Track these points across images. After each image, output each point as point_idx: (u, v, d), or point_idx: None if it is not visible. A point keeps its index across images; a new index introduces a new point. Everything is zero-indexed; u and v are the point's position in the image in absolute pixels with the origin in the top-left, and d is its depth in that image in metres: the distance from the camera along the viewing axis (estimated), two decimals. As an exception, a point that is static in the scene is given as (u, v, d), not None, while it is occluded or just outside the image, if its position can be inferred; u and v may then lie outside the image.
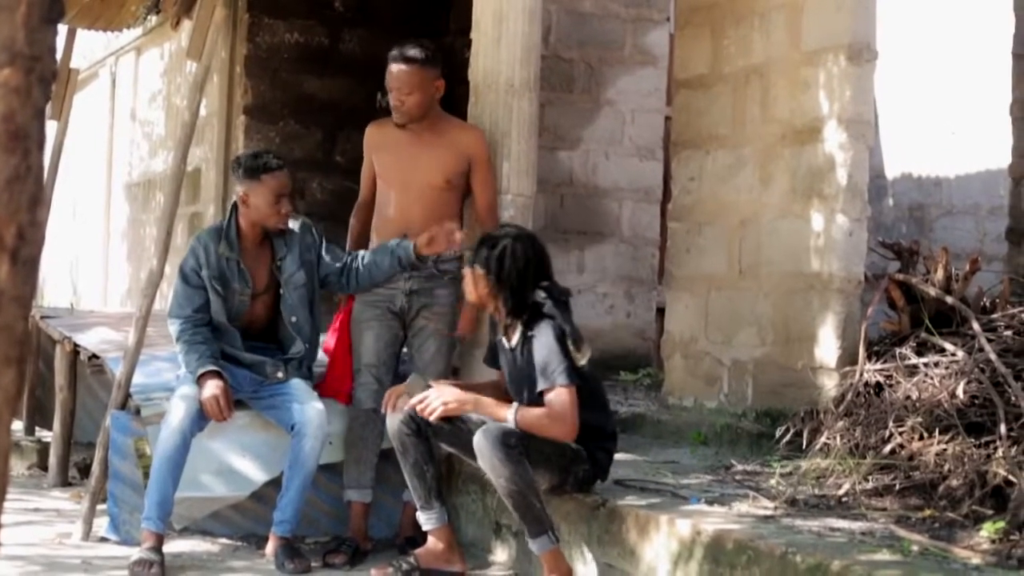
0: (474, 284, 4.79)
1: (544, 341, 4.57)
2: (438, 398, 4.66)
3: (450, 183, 5.52)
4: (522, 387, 4.75)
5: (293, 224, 5.61)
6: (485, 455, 4.39)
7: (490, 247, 4.76)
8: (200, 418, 5.20)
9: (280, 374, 5.52)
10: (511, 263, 4.70)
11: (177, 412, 5.19)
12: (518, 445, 4.39)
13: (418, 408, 4.67)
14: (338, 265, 5.63)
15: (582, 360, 4.62)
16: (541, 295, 4.70)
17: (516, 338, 4.75)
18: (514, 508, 4.47)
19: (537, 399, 4.60)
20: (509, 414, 4.50)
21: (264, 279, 5.57)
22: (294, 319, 5.57)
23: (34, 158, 1.58)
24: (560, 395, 4.50)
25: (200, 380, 5.24)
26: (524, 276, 4.71)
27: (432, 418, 4.66)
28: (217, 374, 5.26)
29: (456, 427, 4.73)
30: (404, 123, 5.51)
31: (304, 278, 5.59)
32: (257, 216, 5.46)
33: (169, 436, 5.16)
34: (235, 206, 5.55)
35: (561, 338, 4.57)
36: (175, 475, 5.16)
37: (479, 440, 4.41)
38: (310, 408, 5.29)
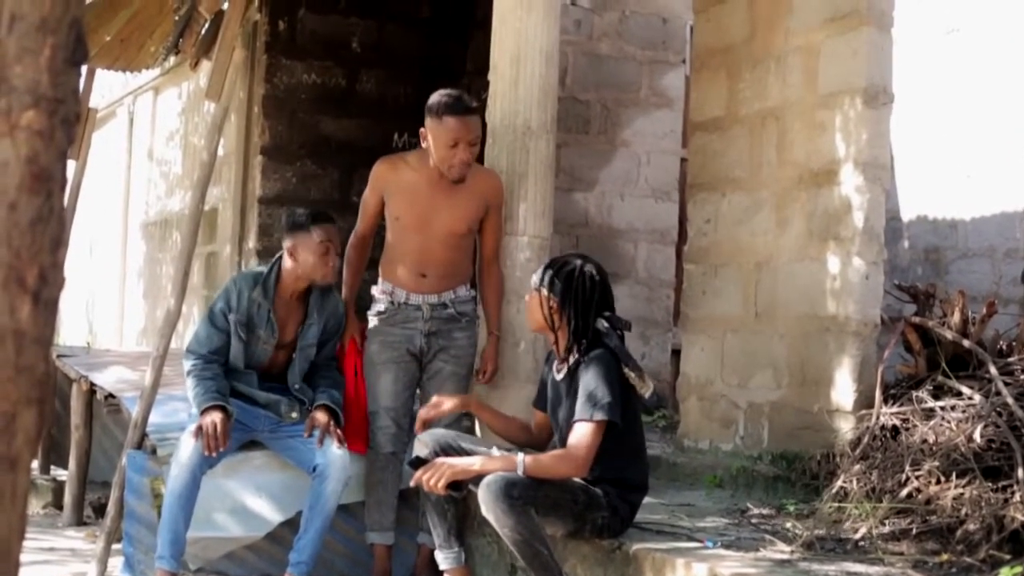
0: (538, 306, 4.74)
1: (596, 371, 4.50)
2: (444, 466, 4.62)
3: (471, 230, 5.51)
4: (564, 420, 4.70)
5: (331, 300, 5.63)
6: (489, 506, 4.35)
7: (558, 269, 4.73)
8: (209, 455, 5.19)
9: (295, 414, 5.51)
10: (579, 285, 4.67)
11: (186, 449, 5.18)
12: (522, 496, 4.34)
13: (424, 478, 4.64)
14: (318, 362, 5.67)
15: (647, 392, 4.60)
16: (604, 324, 4.67)
17: (567, 369, 4.71)
18: (521, 557, 4.44)
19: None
20: (517, 463, 4.47)
21: (291, 334, 5.57)
22: (297, 386, 5.58)
23: (56, 200, 1.59)
24: (584, 428, 4.44)
25: (204, 414, 5.23)
26: (590, 300, 4.66)
27: (439, 488, 4.63)
28: (221, 408, 5.26)
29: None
30: (463, 178, 5.40)
31: (315, 353, 5.62)
32: (304, 269, 5.44)
33: (179, 474, 5.15)
34: (279, 259, 5.55)
35: (615, 373, 4.53)
36: (187, 512, 5.15)
37: (482, 492, 4.38)
38: (333, 450, 5.29)
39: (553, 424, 4.87)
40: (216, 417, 5.18)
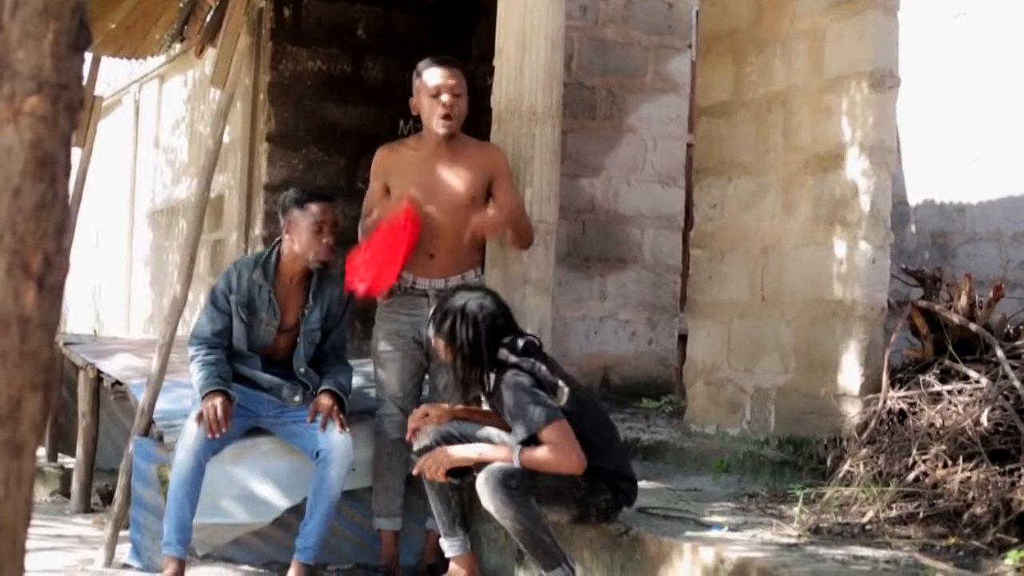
0: (444, 353, 4.78)
1: (510, 391, 4.51)
2: (443, 454, 4.67)
3: (475, 200, 5.47)
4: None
5: (335, 285, 5.62)
6: (488, 498, 4.39)
7: (442, 317, 4.75)
8: (213, 440, 5.20)
9: (297, 398, 5.52)
10: (463, 331, 4.66)
11: (189, 435, 5.21)
12: (520, 485, 4.37)
13: (424, 466, 4.69)
14: (325, 348, 5.67)
15: (561, 402, 4.57)
16: (504, 352, 4.65)
17: (489, 390, 4.73)
18: (524, 545, 4.47)
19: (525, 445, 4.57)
20: (514, 455, 4.47)
21: (293, 317, 5.58)
22: (302, 370, 5.58)
23: (60, 186, 1.59)
24: (551, 432, 4.42)
25: (205, 399, 5.25)
26: (477, 342, 4.65)
27: (438, 476, 4.67)
28: (222, 392, 5.27)
29: None
30: (452, 132, 5.43)
31: (320, 337, 5.62)
32: (300, 246, 5.45)
33: (183, 460, 5.17)
34: (279, 241, 5.56)
35: (528, 382, 4.52)
36: (192, 498, 5.17)
37: (480, 484, 4.42)
38: (335, 435, 5.29)
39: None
40: (216, 401, 5.20)
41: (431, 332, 4.83)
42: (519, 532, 4.39)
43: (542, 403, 4.46)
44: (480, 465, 4.53)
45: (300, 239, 5.45)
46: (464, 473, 4.75)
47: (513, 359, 4.62)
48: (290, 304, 5.56)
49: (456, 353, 4.71)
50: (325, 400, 5.40)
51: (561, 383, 4.62)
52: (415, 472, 4.84)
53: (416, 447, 4.93)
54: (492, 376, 4.67)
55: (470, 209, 5.47)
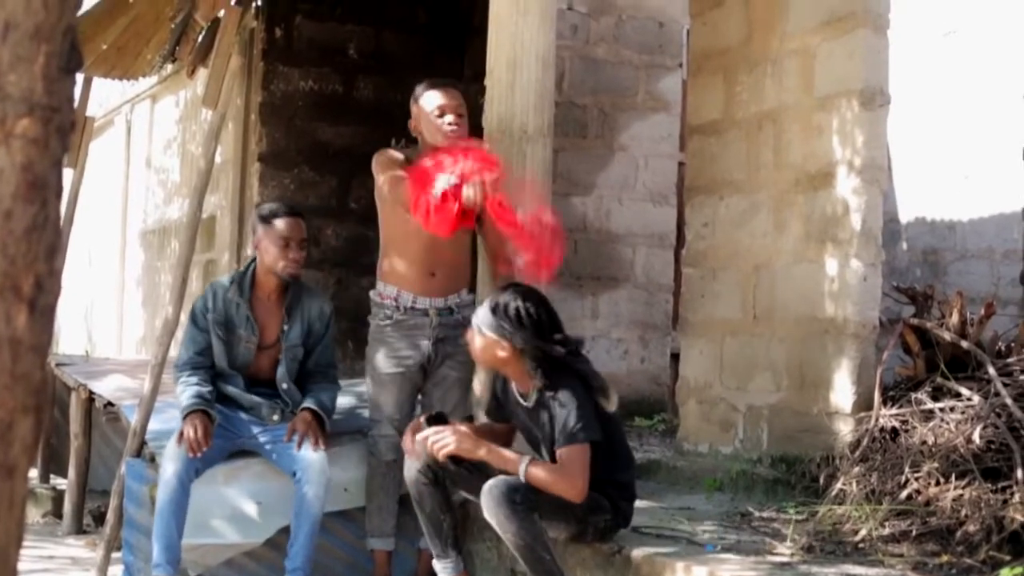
0: (488, 350, 4.64)
1: (569, 401, 4.45)
2: (452, 437, 4.63)
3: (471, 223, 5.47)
4: (538, 445, 4.70)
5: (315, 301, 5.62)
6: (491, 511, 4.36)
7: (503, 312, 4.58)
8: (196, 460, 5.20)
9: (276, 417, 5.52)
10: (528, 323, 4.56)
11: (171, 456, 5.21)
12: (524, 500, 4.34)
13: (430, 441, 4.64)
14: (310, 366, 5.66)
15: (611, 407, 4.57)
16: (559, 349, 4.59)
17: (533, 396, 4.65)
18: (524, 562, 4.44)
19: (554, 456, 4.55)
20: (520, 467, 4.46)
21: (274, 334, 5.58)
22: (285, 386, 5.58)
23: (52, 208, 1.60)
24: (572, 453, 4.41)
25: (186, 419, 5.25)
26: (543, 333, 4.58)
27: (441, 455, 4.62)
28: (202, 411, 5.27)
29: (474, 474, 4.68)
30: (460, 139, 5.37)
31: (302, 353, 5.62)
32: (269, 260, 5.47)
33: (167, 480, 5.17)
34: (255, 258, 5.58)
35: (586, 396, 4.49)
36: (178, 519, 5.15)
37: (484, 496, 4.38)
38: (309, 453, 5.28)
39: (527, 445, 4.83)
40: (196, 420, 5.20)
41: (482, 327, 4.61)
42: (519, 547, 4.36)
43: (586, 423, 4.43)
44: (480, 479, 4.51)
45: (267, 253, 5.47)
46: (461, 463, 4.70)
47: (573, 363, 4.58)
48: (269, 321, 5.57)
49: (519, 348, 4.56)
50: (303, 418, 5.40)
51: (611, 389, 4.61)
52: (418, 438, 4.74)
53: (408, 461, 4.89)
54: (546, 370, 4.59)
55: (465, 232, 5.45)
